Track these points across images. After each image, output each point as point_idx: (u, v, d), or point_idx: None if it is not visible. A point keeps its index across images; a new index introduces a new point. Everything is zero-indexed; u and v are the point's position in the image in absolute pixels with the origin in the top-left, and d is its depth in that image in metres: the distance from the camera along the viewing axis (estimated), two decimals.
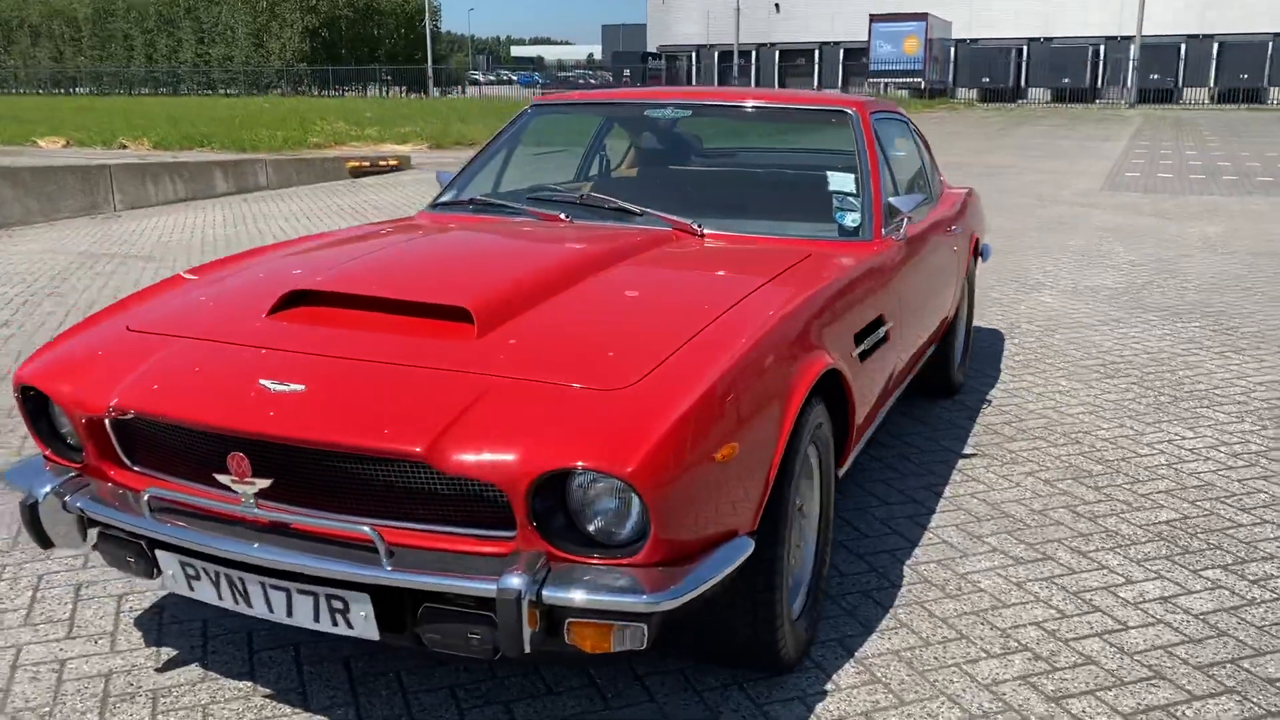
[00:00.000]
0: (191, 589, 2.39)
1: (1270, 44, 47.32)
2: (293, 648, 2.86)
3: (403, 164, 16.14)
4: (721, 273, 3.15)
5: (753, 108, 4.16)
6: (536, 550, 2.12)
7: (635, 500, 2.08)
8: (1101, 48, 52.01)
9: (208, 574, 2.34)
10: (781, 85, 59.77)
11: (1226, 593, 3.18)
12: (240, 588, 2.31)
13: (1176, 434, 4.58)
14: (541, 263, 2.91)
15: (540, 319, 2.54)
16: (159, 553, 2.39)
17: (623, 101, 4.38)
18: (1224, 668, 2.77)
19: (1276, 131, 25.81)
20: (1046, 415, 4.84)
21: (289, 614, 2.29)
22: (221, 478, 2.28)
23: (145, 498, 2.33)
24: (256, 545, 2.23)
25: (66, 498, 2.46)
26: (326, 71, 54.32)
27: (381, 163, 15.77)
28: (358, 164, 15.50)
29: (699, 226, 3.43)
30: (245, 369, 2.38)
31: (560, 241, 3.25)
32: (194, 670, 2.76)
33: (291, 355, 2.41)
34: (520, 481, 2.07)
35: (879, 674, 2.75)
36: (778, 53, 60.85)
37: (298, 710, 2.59)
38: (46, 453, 2.65)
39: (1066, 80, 51.35)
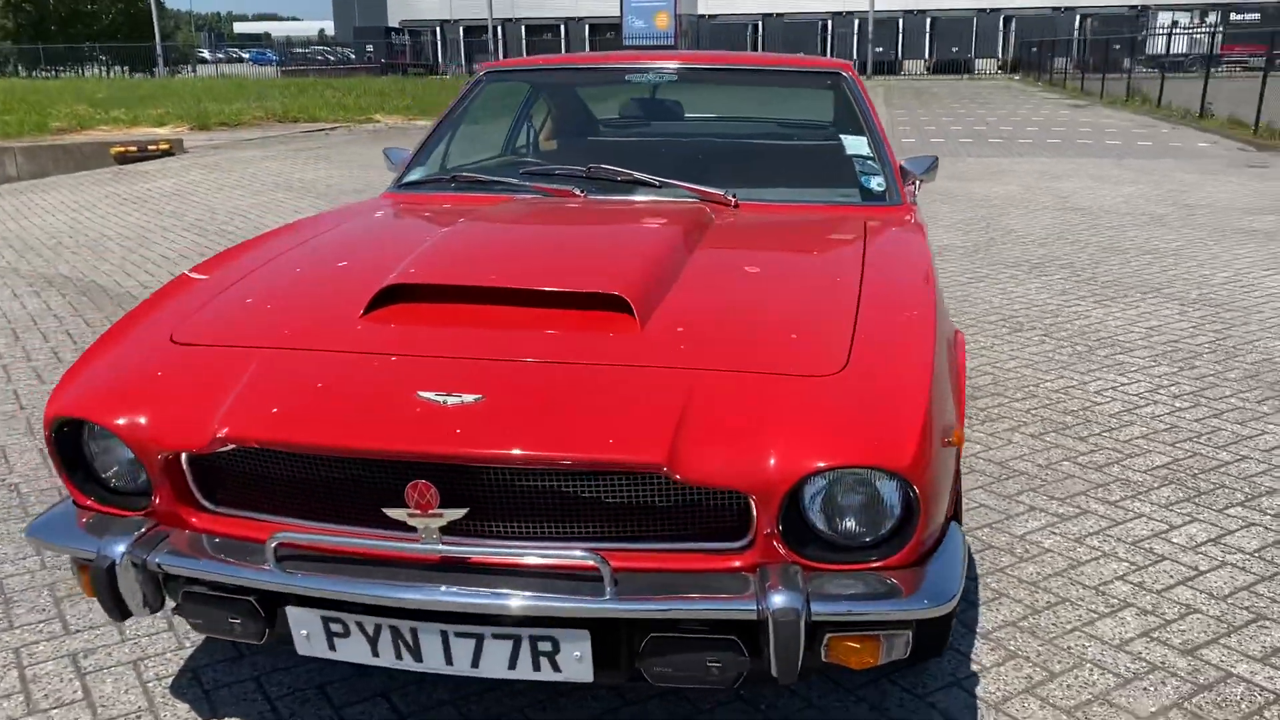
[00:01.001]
0: (333, 648, 1.99)
1: (975, 19, 51.23)
2: (383, 698, 2.47)
3: (174, 148, 14.81)
4: (809, 242, 2.95)
5: (742, 70, 3.96)
6: (786, 562, 1.89)
7: (901, 496, 1.88)
8: (829, 22, 54.77)
9: (363, 629, 1.95)
10: None
11: (1261, 529, 3.32)
12: (409, 640, 1.94)
13: (1115, 381, 4.79)
14: (643, 244, 2.62)
15: (686, 304, 2.28)
16: (291, 610, 1.97)
17: (594, 67, 4.07)
18: None
19: (1007, 98, 27.95)
20: (989, 372, 4.95)
21: (474, 664, 1.94)
22: (393, 512, 1.90)
23: (272, 546, 1.91)
24: (445, 588, 1.87)
25: (147, 556, 1.99)
26: (36, 50, 49.17)
27: (151, 147, 14.39)
28: (123, 149, 14.08)
29: (733, 197, 3.23)
30: (391, 381, 2.00)
31: (622, 220, 2.96)
32: None
33: (440, 361, 2.05)
34: (777, 487, 1.83)
35: (1013, 648, 2.68)
36: (523, 27, 60.40)
37: None
38: (88, 502, 2.14)
39: (801, 54, 53.72)
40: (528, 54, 61.52)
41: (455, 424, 1.88)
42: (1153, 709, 2.43)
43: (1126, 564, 3.10)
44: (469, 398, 1.92)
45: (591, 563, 1.83)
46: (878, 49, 50.97)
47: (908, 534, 1.90)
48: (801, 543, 1.91)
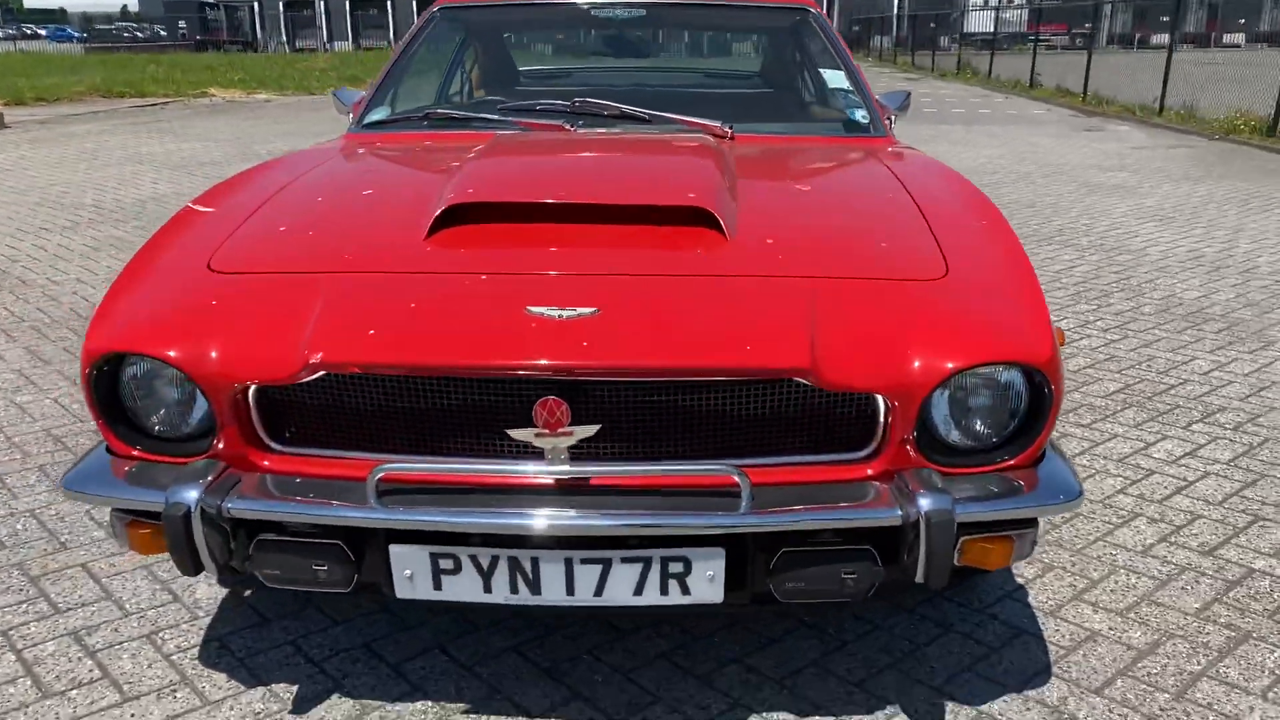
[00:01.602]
0: (439, 587, 1.84)
1: None
2: (439, 651, 2.32)
3: None
4: (836, 167, 2.90)
5: (710, 7, 3.88)
6: (919, 467, 1.85)
7: (1029, 392, 1.86)
8: None
9: (477, 563, 1.81)
10: (355, 34, 57.48)
11: (1227, 441, 3.49)
12: (529, 571, 1.81)
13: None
14: (697, 164, 2.50)
15: (762, 219, 2.20)
16: (396, 549, 1.81)
17: (558, 1, 3.90)
18: None
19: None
20: None
21: (598, 591, 1.83)
22: (518, 434, 1.76)
23: (375, 479, 1.75)
24: (575, 512, 1.75)
25: (221, 502, 1.79)
26: None
27: None
28: None
29: (729, 128, 3.16)
30: (493, 298, 1.86)
31: (652, 148, 2.83)
32: (344, 706, 2.16)
33: (540, 278, 1.91)
34: (918, 390, 1.79)
35: (1047, 561, 2.73)
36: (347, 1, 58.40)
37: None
38: (133, 451, 1.92)
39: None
40: (353, 30, 59.48)
41: (582, 337, 1.75)
42: (1197, 605, 2.52)
43: (1121, 479, 3.21)
44: (584, 311, 1.80)
45: (731, 477, 1.75)
46: None
47: (1035, 431, 1.89)
48: (930, 447, 1.88)
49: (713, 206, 2.10)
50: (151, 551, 1.93)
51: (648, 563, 1.80)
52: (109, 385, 1.90)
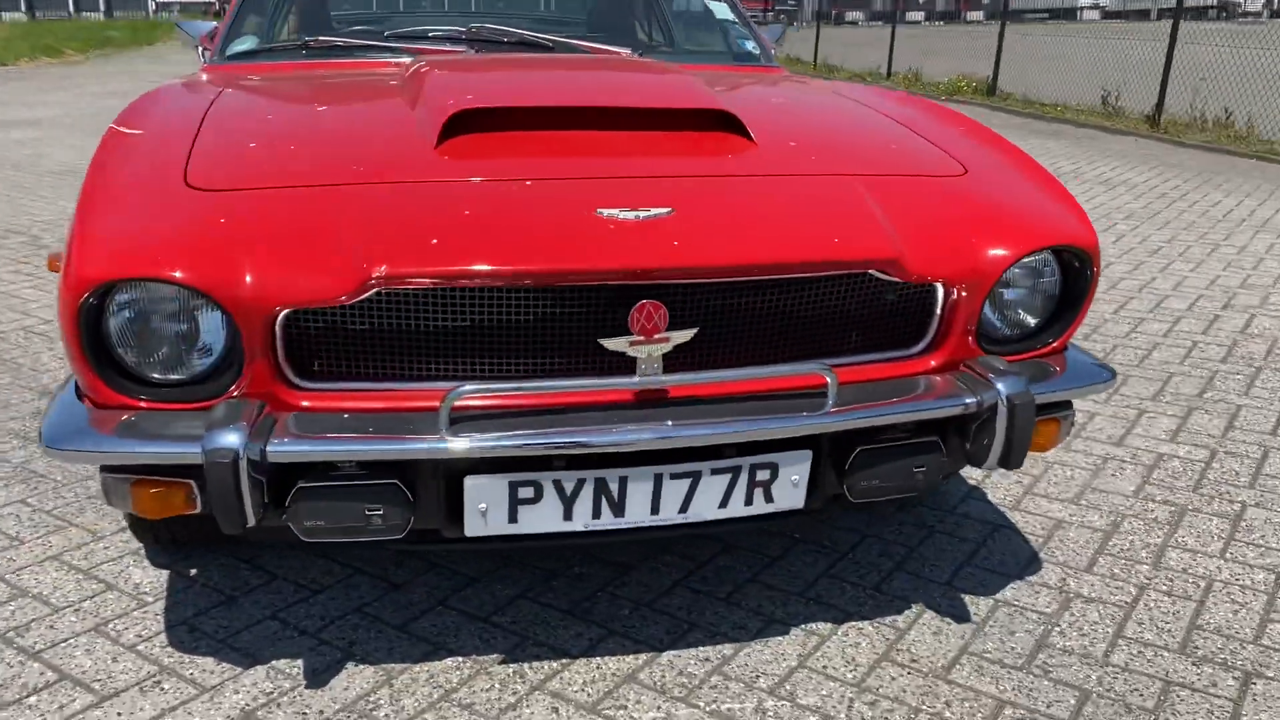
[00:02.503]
0: (514, 519, 1.69)
1: None
2: (444, 607, 2.14)
3: None
4: (778, 86, 2.86)
5: None
6: (976, 356, 1.88)
7: (1071, 276, 1.93)
8: None
9: (560, 488, 1.67)
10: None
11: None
12: (615, 492, 1.70)
13: None
14: (677, 77, 2.39)
15: (770, 124, 2.14)
16: (472, 481, 1.65)
17: None
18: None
19: None
20: None
21: (683, 508, 1.74)
22: (611, 343, 1.63)
23: (449, 406, 1.58)
24: (672, 423, 1.65)
25: (265, 446, 1.56)
26: None
27: None
28: None
29: (638, 54, 3.09)
30: (556, 201, 1.71)
31: (603, 64, 2.68)
32: (366, 673, 1.95)
33: (594, 181, 1.78)
34: (986, 279, 1.81)
35: None
36: None
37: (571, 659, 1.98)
38: (137, 402, 1.64)
39: None
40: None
41: (669, 236, 1.65)
42: (1132, 489, 2.72)
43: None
44: (659, 211, 1.70)
45: (822, 376, 1.70)
46: None
47: (1072, 316, 1.95)
48: (982, 336, 1.91)
49: (737, 110, 2.03)
50: (163, 513, 1.66)
51: (736, 472, 1.73)
52: (94, 323, 1.61)
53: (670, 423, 1.65)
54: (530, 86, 2.22)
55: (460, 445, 1.58)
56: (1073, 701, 1.90)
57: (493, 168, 1.82)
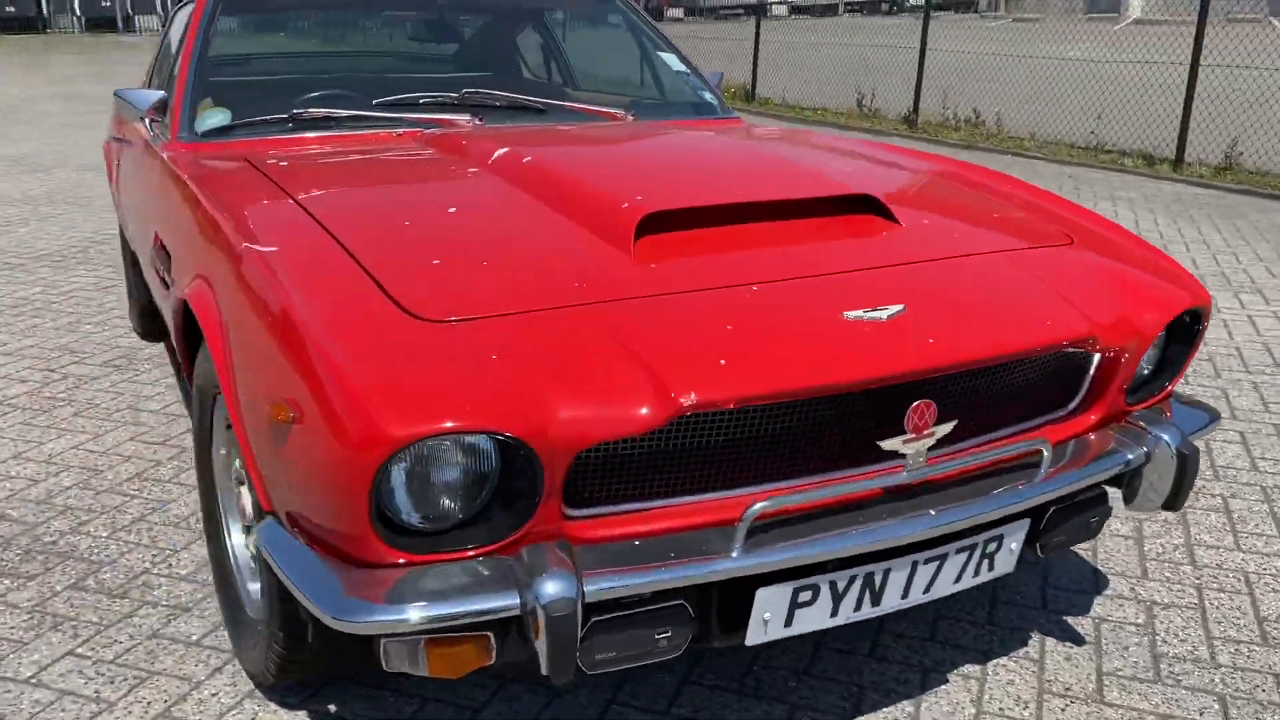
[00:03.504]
0: (790, 623, 1.72)
1: None
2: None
3: None
4: (798, 143, 2.93)
5: None
6: (1125, 410, 2.07)
7: (1185, 331, 2.15)
8: None
9: (834, 587, 1.72)
10: None
11: None
12: (877, 584, 1.76)
13: None
14: (774, 148, 2.44)
15: (896, 205, 2.23)
16: (763, 593, 1.66)
17: None
18: None
19: None
20: None
21: (927, 588, 1.83)
22: (887, 444, 1.69)
23: (749, 520, 1.59)
24: (935, 511, 1.73)
25: (584, 587, 1.52)
26: None
27: None
28: None
29: (631, 115, 3.12)
30: (798, 306, 1.74)
31: (670, 135, 2.68)
32: None
33: (822, 280, 1.82)
34: (1145, 340, 1.99)
35: None
36: None
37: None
38: (401, 556, 1.54)
39: (12, 9, 46.80)
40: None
41: (925, 334, 1.72)
42: None
43: None
44: (894, 309, 1.76)
45: (1039, 447, 1.84)
46: (103, 4, 46.11)
47: (1180, 363, 2.18)
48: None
49: (878, 193, 2.12)
50: (462, 671, 1.57)
51: (974, 548, 1.83)
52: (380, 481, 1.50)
53: (933, 511, 1.73)
54: (686, 178, 2.23)
55: (762, 561, 1.60)
56: (1217, 706, 2.13)
57: (703, 273, 1.82)
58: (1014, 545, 1.89)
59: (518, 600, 1.49)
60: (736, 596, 1.67)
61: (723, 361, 1.60)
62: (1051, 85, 12.12)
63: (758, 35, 13.50)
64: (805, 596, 1.70)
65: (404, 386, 1.50)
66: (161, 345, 4.29)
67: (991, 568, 1.89)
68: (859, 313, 1.74)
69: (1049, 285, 1.96)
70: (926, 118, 11.07)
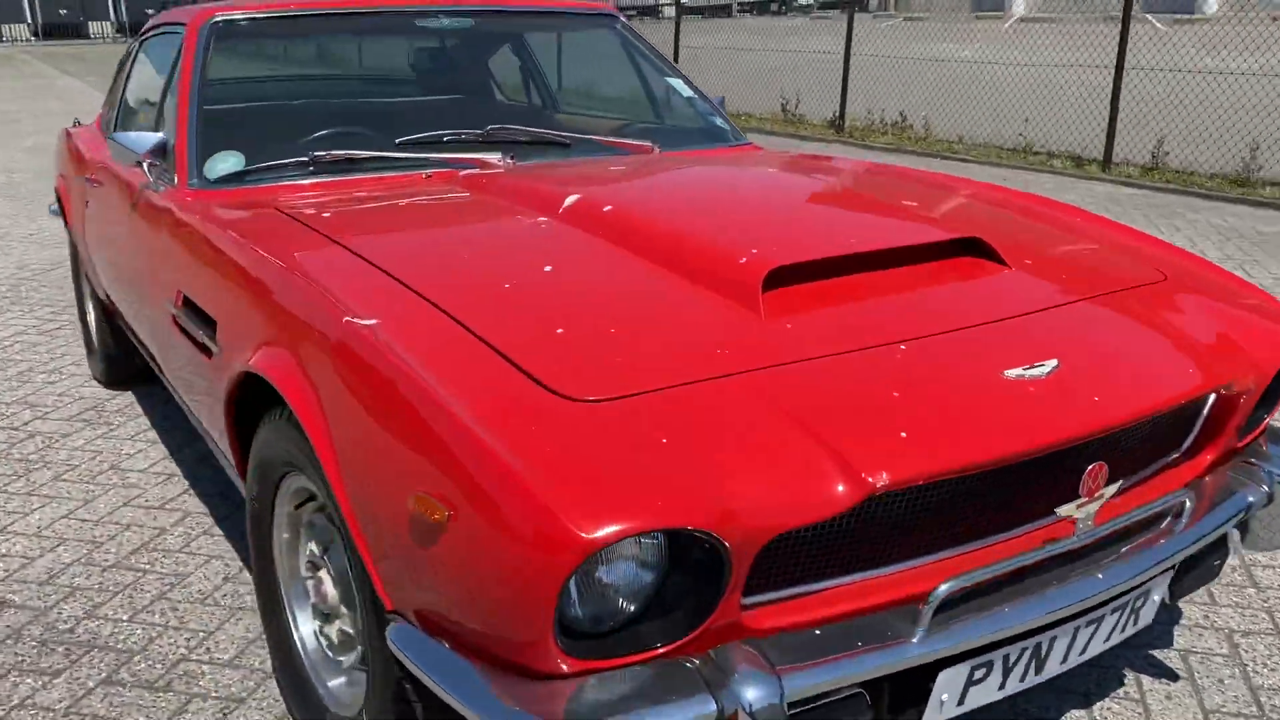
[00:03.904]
0: (962, 701, 1.64)
1: None
2: None
3: None
4: (864, 174, 2.85)
5: (512, 13, 3.47)
6: (1235, 448, 2.04)
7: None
8: None
9: (1006, 661, 1.64)
10: None
11: None
12: (1043, 652, 1.69)
13: None
14: (858, 195, 2.36)
15: (999, 244, 2.17)
16: (944, 674, 1.57)
17: (371, 11, 3.20)
18: None
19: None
20: None
21: (1083, 650, 1.77)
22: (1063, 509, 1.62)
23: (937, 599, 1.51)
24: (1102, 574, 1.67)
25: (784, 685, 1.41)
26: None
27: None
28: None
29: (655, 146, 3.02)
30: (955, 367, 1.65)
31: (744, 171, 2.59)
32: None
33: (964, 334, 1.74)
34: (1264, 379, 1.96)
35: None
36: None
37: None
38: (574, 662, 1.41)
39: None
40: None
41: (1089, 392, 1.65)
42: None
43: None
44: (1049, 364, 1.69)
45: (1182, 498, 1.79)
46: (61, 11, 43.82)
47: (1276, 399, 2.17)
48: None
49: (983, 234, 2.05)
50: None
51: (1125, 605, 1.78)
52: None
53: (1101, 574, 1.67)
54: (769, 220, 2.13)
55: (952, 644, 1.51)
56: None
57: (840, 331, 1.73)
58: (1157, 597, 1.85)
59: (714, 707, 1.37)
60: (916, 680, 1.58)
61: (904, 434, 1.51)
62: (964, 86, 12.35)
63: (677, 39, 13.49)
64: (980, 674, 1.62)
65: (587, 482, 1.37)
66: (129, 395, 4.02)
67: (1136, 622, 1.84)
68: (1019, 371, 1.66)
69: (1175, 328, 1.91)
70: (853, 122, 11.18)
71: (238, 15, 2.98)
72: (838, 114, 11.20)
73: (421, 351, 1.61)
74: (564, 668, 1.41)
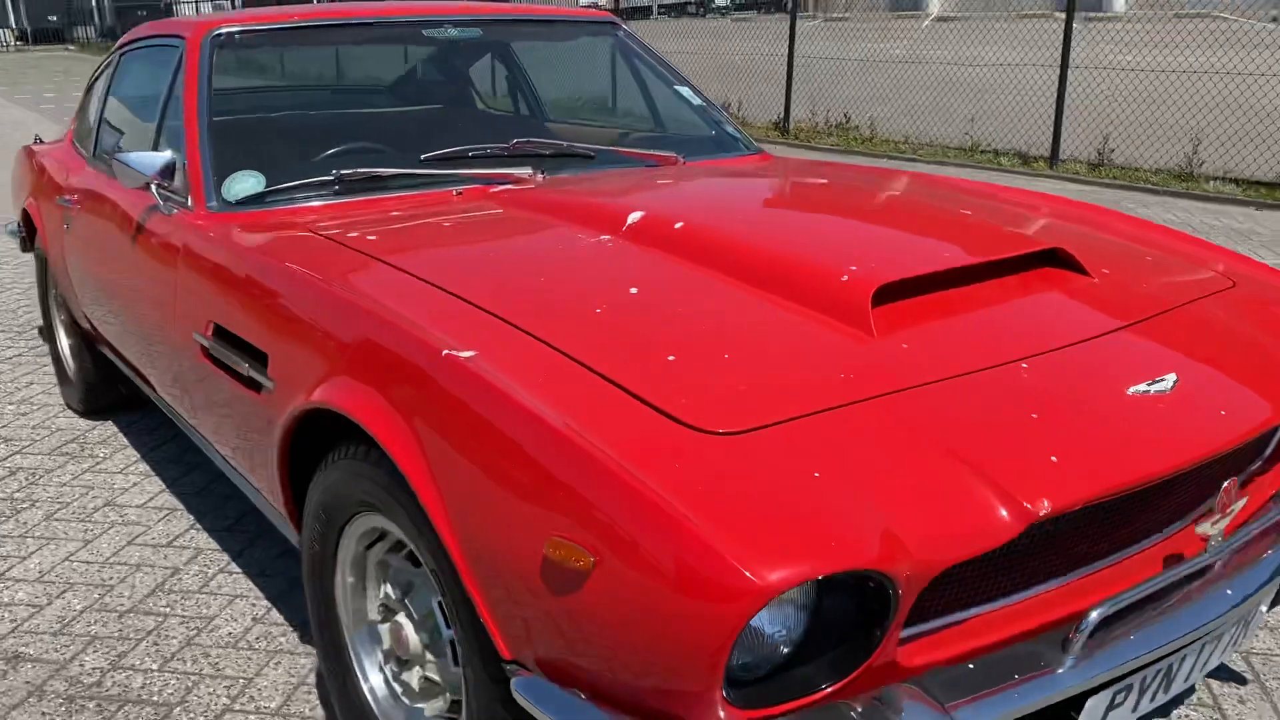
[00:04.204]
0: None
1: None
2: None
3: None
4: (913, 184, 2.80)
5: (516, 22, 3.36)
6: None
7: None
8: None
9: (1143, 683, 1.61)
10: None
11: None
12: (1172, 672, 1.66)
13: None
14: (961, 203, 2.32)
15: (1078, 254, 2.14)
16: (1092, 701, 1.53)
17: (377, 21, 3.06)
18: None
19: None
20: None
21: (1205, 666, 1.74)
22: (1200, 527, 1.59)
23: (1085, 631, 1.47)
24: (1230, 589, 1.65)
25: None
26: None
27: None
28: None
29: (680, 157, 2.96)
30: (1082, 381, 1.62)
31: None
32: None
33: (1071, 351, 1.71)
34: None
35: None
36: None
37: None
38: (734, 711, 1.34)
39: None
40: None
41: (1215, 406, 1.63)
42: None
43: None
44: (1169, 379, 1.67)
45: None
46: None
47: None
48: None
49: (1066, 245, 2.03)
50: None
51: (1242, 618, 1.76)
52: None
53: (1230, 590, 1.65)
54: (854, 234, 2.08)
55: (1104, 670, 1.48)
56: None
57: (958, 350, 1.68)
58: (1263, 607, 1.83)
59: None
60: (1062, 710, 1.54)
61: (1054, 459, 1.47)
62: (901, 86, 12.50)
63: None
64: (1120, 698, 1.59)
65: (754, 522, 1.29)
66: (110, 424, 3.83)
67: (1246, 633, 1.83)
68: (1143, 387, 1.63)
69: (1262, 334, 1.91)
70: (798, 124, 11.22)
71: (241, 27, 2.85)
72: (782, 116, 11.24)
73: (534, 385, 1.52)
74: (723, 717, 1.34)
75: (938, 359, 1.64)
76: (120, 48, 3.49)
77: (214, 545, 2.94)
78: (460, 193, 2.58)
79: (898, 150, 9.95)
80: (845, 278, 1.78)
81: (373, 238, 2.19)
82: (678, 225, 2.08)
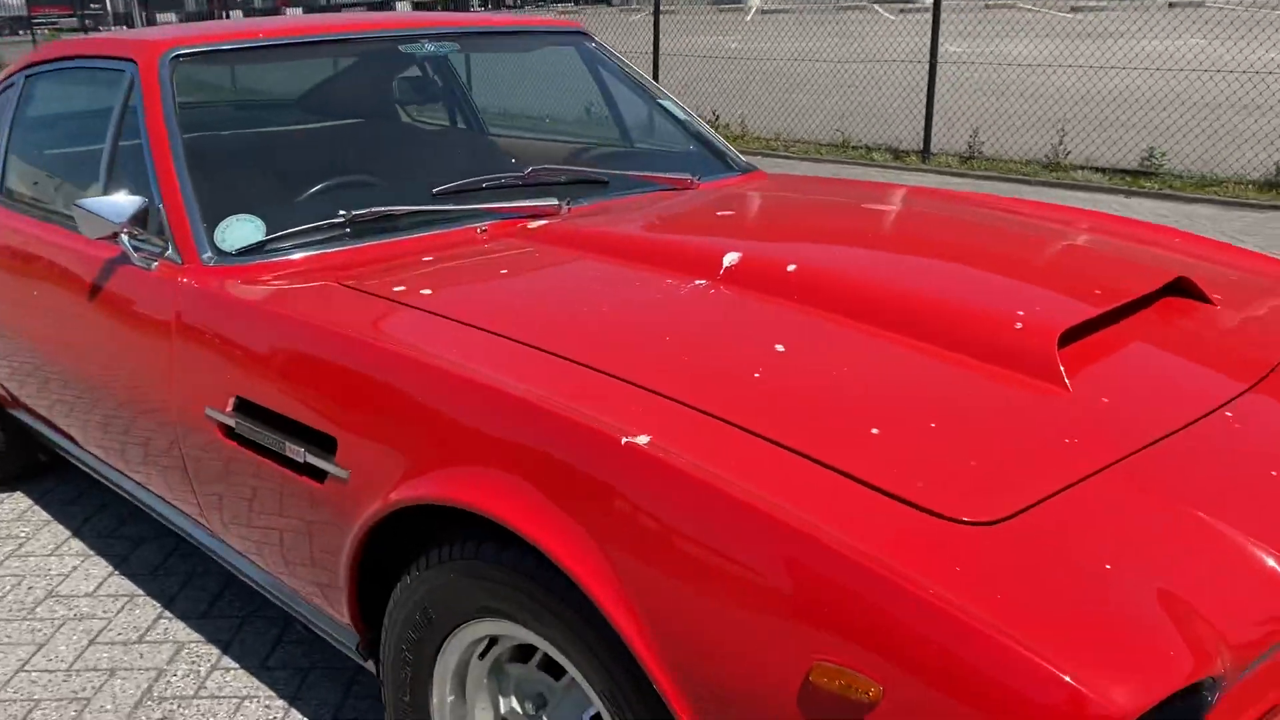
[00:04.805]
0: None
1: None
2: None
3: None
4: (949, 204, 2.67)
5: (478, 32, 3.06)
6: None
7: None
8: None
9: None
10: None
11: None
12: None
13: None
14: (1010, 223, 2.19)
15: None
16: None
17: (348, 38, 2.70)
18: None
19: None
20: None
21: None
22: None
23: None
24: None
25: None
26: None
27: None
28: None
29: (694, 179, 2.78)
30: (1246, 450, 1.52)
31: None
32: None
33: (1258, 392, 1.61)
34: None
35: None
36: None
37: None
38: None
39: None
40: None
41: None
42: None
43: None
44: None
45: None
46: None
47: None
48: None
49: (1187, 274, 1.94)
50: None
51: None
52: None
53: None
54: (998, 274, 1.93)
55: None
56: None
57: (1158, 402, 1.55)
58: None
59: None
60: None
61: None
62: (754, 81, 12.59)
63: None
64: None
65: (1079, 634, 1.13)
66: (18, 495, 3.36)
67: None
68: None
69: None
70: None
71: (200, 47, 2.49)
72: None
73: (745, 476, 1.32)
74: None
75: (1145, 414, 1.52)
76: (22, 69, 3.03)
77: (195, 636, 2.58)
78: (484, 229, 2.32)
79: (769, 148, 9.98)
80: (1019, 325, 1.64)
81: (427, 292, 1.92)
82: (790, 268, 1.89)
